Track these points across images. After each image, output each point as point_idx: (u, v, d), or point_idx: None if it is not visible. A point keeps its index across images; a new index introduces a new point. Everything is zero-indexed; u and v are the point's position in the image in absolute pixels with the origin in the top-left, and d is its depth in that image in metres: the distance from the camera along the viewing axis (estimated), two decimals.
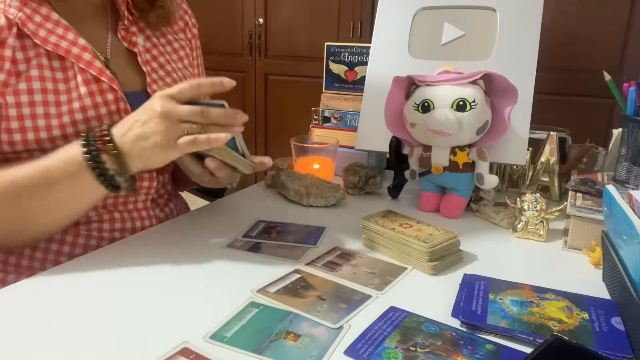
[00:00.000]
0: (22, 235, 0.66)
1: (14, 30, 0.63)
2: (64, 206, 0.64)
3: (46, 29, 0.65)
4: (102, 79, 0.67)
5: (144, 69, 0.74)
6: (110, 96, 0.68)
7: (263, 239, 0.71)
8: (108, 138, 0.60)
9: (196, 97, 0.61)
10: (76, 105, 0.66)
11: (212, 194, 1.00)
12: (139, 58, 0.75)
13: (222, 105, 0.61)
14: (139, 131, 0.60)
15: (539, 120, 0.88)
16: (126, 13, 0.75)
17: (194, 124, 0.60)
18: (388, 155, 0.89)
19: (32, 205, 0.62)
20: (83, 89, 0.66)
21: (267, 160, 0.68)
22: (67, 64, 0.67)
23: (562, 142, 0.92)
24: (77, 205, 0.65)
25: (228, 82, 0.61)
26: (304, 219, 0.79)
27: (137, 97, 0.73)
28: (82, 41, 0.67)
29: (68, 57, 0.66)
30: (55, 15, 0.66)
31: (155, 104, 0.60)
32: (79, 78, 0.66)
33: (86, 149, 0.60)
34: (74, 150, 0.61)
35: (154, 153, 0.60)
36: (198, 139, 0.59)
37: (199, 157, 0.68)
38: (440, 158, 0.79)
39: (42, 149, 0.65)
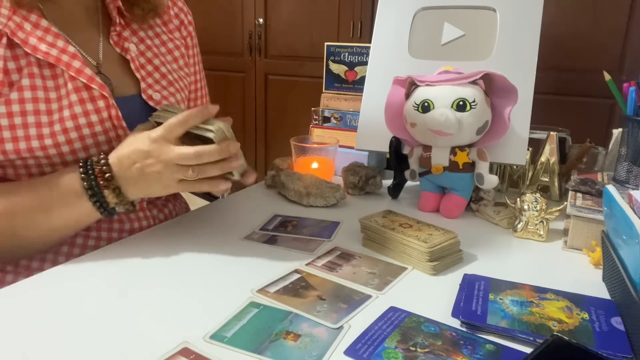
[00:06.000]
0: (12, 255, 0.69)
1: (4, 40, 0.63)
2: (59, 231, 0.66)
3: (36, 36, 0.64)
4: (93, 86, 0.66)
5: (137, 75, 0.74)
6: (101, 103, 0.67)
7: (279, 232, 0.73)
8: (109, 175, 0.62)
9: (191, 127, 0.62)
10: (66, 113, 0.65)
11: (212, 194, 1.00)
12: (132, 64, 0.74)
13: (213, 132, 0.62)
14: (139, 167, 0.62)
15: (539, 120, 0.88)
16: (118, 19, 0.74)
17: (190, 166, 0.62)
18: (388, 155, 0.89)
19: (27, 233, 0.64)
20: (74, 97, 0.65)
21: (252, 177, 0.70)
22: (57, 72, 0.66)
23: (562, 142, 0.91)
24: (71, 230, 0.68)
25: (213, 108, 0.63)
26: None
27: (132, 101, 0.73)
28: (72, 48, 0.66)
29: (58, 64, 0.65)
30: (45, 22, 0.65)
31: (148, 146, 0.61)
32: (70, 86, 0.66)
33: (86, 183, 0.62)
34: (71, 180, 0.63)
35: (155, 189, 0.64)
36: (197, 183, 0.63)
37: None
38: (440, 158, 0.79)
39: (34, 156, 0.65)
